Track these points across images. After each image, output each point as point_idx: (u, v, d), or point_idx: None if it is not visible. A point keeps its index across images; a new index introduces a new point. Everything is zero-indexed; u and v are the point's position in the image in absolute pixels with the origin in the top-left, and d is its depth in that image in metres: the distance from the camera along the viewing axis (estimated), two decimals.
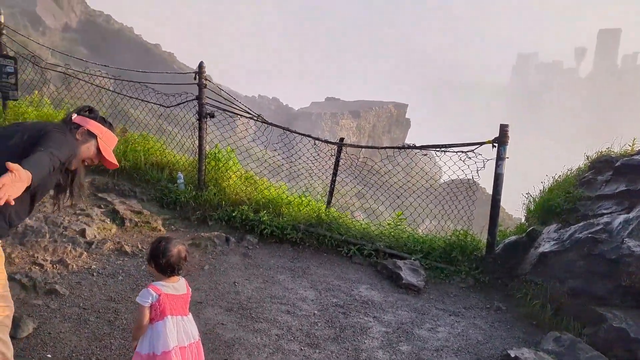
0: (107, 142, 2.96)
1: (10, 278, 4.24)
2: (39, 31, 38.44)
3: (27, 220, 5.24)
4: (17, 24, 34.97)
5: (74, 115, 2.93)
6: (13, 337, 3.55)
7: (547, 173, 6.95)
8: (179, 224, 6.36)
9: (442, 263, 6.08)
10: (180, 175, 6.88)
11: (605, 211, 5.55)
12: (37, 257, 4.77)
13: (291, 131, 6.80)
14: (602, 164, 6.30)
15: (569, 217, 5.88)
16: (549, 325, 4.87)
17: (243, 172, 7.24)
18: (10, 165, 2.14)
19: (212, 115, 6.59)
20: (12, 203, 2.19)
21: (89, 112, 3.01)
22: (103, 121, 3.00)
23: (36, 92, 7.89)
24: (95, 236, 5.43)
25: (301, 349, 4.07)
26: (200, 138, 6.72)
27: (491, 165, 5.91)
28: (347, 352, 4.13)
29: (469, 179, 6.24)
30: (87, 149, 2.88)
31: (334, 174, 6.82)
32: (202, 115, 6.60)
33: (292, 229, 6.31)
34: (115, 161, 2.99)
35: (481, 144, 5.93)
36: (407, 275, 5.68)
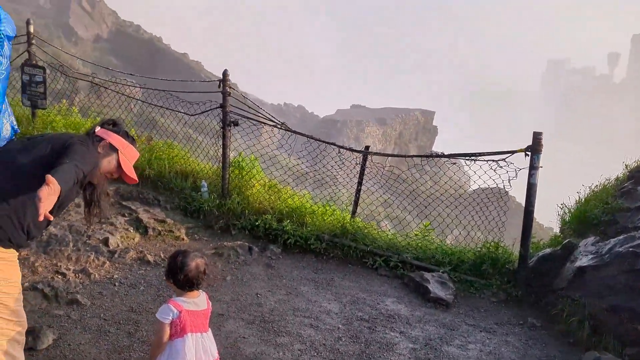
0: (128, 156, 2.91)
1: (33, 288, 4.22)
2: (71, 42, 39.42)
3: (52, 229, 5.24)
4: (51, 34, 35.95)
5: (97, 128, 2.90)
6: (33, 348, 3.51)
7: (581, 182, 6.67)
8: (202, 233, 6.29)
9: (472, 276, 5.85)
10: (204, 183, 6.83)
11: None
12: (60, 266, 4.74)
13: (315, 139, 6.68)
14: None
15: (607, 229, 5.59)
16: (586, 344, 4.60)
17: (267, 181, 7.14)
18: (49, 178, 2.12)
19: (236, 124, 6.53)
20: (51, 218, 2.19)
21: (113, 125, 2.97)
22: (126, 135, 2.95)
23: (64, 101, 7.96)
24: (118, 245, 5.39)
25: None
26: (224, 146, 6.65)
27: (522, 174, 5.69)
28: None
29: (498, 188, 6.02)
30: (107, 163, 2.84)
31: (359, 183, 6.66)
32: (226, 124, 6.54)
33: (316, 239, 6.18)
34: (135, 176, 2.93)
35: (513, 152, 5.70)
36: (435, 289, 5.48)
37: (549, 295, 5.37)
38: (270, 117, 6.85)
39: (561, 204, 6.44)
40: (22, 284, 4.23)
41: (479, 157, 5.86)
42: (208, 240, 6.15)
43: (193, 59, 46.85)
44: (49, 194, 2.11)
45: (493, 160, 5.79)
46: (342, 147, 6.48)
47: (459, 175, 6.83)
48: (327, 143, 6.66)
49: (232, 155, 7.06)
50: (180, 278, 2.69)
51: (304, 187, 8.20)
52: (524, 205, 5.69)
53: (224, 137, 6.64)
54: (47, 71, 7.60)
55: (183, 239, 6.00)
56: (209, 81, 6.88)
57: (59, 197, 2.22)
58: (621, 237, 5.08)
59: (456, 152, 6.10)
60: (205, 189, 6.78)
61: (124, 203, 6.37)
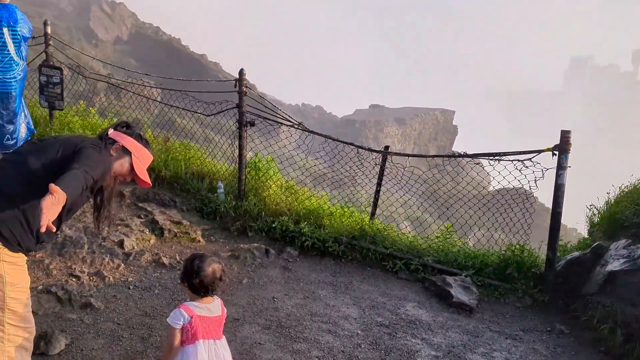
0: (142, 159, 2.81)
1: (47, 291, 4.16)
2: (92, 44, 39.92)
3: (67, 231, 5.18)
4: (72, 37, 36.45)
5: (111, 130, 2.81)
6: (45, 353, 3.43)
7: (608, 182, 6.42)
8: (218, 235, 6.19)
9: (496, 280, 5.64)
10: (220, 184, 6.73)
11: None
12: (75, 268, 4.68)
13: (333, 139, 6.53)
14: None
15: (638, 231, 5.34)
16: (619, 353, 4.38)
17: (283, 182, 7.02)
18: (53, 187, 2.06)
19: (252, 124, 6.41)
20: (54, 230, 2.13)
21: (126, 127, 2.88)
22: (139, 138, 2.86)
23: (82, 102, 7.95)
24: (133, 247, 5.31)
25: None
26: (241, 147, 6.55)
27: (547, 175, 5.48)
28: None
29: (521, 188, 5.81)
30: (120, 166, 2.75)
31: (379, 184, 6.50)
32: (242, 124, 6.43)
33: (334, 242, 6.03)
34: (148, 180, 2.84)
35: (540, 151, 5.48)
36: (457, 293, 5.29)
37: (578, 300, 5.15)
38: (287, 117, 6.72)
39: (590, 205, 6.19)
40: (36, 287, 4.19)
41: (503, 157, 5.65)
42: (224, 242, 6.05)
43: (211, 60, 47.07)
44: (53, 203, 2.05)
45: (518, 160, 5.58)
46: (360, 147, 6.32)
47: (482, 175, 6.63)
48: (345, 143, 6.51)
49: (248, 156, 6.96)
50: (195, 282, 2.59)
51: (322, 188, 8.06)
52: (547, 206, 5.49)
53: (240, 137, 6.53)
54: (66, 73, 7.60)
55: (199, 241, 5.91)
56: (225, 80, 6.78)
57: (65, 205, 2.15)
58: None
59: (479, 152, 5.90)
60: (222, 190, 6.69)
61: (140, 204, 6.30)
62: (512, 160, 5.65)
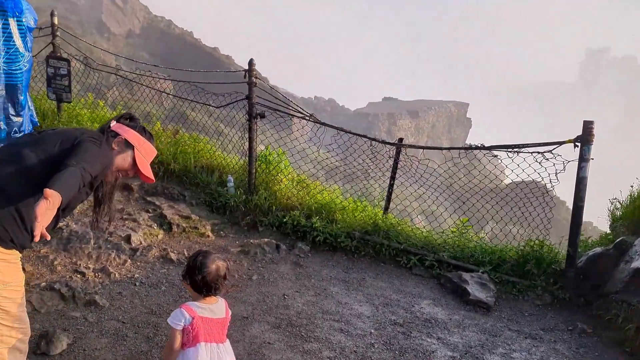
0: (145, 154, 2.67)
1: (50, 288, 4.05)
2: (104, 37, 40.00)
3: (73, 226, 5.08)
4: (85, 30, 36.53)
5: (113, 123, 2.67)
6: (45, 354, 3.32)
7: (629, 175, 6.16)
8: (228, 230, 6.06)
9: (514, 277, 5.44)
10: (230, 178, 6.59)
11: None
12: (80, 264, 4.57)
13: (345, 131, 6.34)
14: None
15: None
16: None
17: (295, 176, 6.86)
18: (47, 192, 1.96)
19: (262, 116, 6.25)
20: (48, 238, 2.02)
21: (130, 120, 2.73)
22: (143, 131, 2.72)
23: (90, 94, 7.84)
24: (140, 242, 5.19)
25: None
26: (250, 139, 6.39)
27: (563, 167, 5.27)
28: None
29: (541, 182, 5.58)
30: (122, 160, 2.62)
31: (392, 178, 6.30)
32: (251, 115, 6.27)
33: (346, 237, 5.86)
34: (151, 175, 2.69)
35: (561, 143, 5.25)
36: (474, 290, 5.10)
37: (600, 298, 4.93)
38: (299, 108, 6.54)
39: (612, 199, 5.95)
40: (39, 284, 4.07)
41: (522, 149, 5.43)
42: (234, 237, 5.91)
43: (224, 53, 46.94)
44: (47, 208, 1.95)
45: (538, 152, 5.35)
46: (374, 139, 6.13)
47: (496, 168, 6.41)
48: (359, 135, 6.32)
49: (259, 149, 6.80)
50: (198, 280, 2.44)
51: (334, 182, 7.88)
52: (562, 199, 5.28)
53: (250, 129, 6.37)
54: (74, 64, 7.48)
55: (208, 236, 5.77)
56: (234, 71, 6.62)
57: (60, 206, 2.04)
58: None
59: (497, 144, 5.67)
60: (232, 184, 6.55)
61: (148, 198, 6.19)
62: (531, 153, 5.43)
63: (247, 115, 6.35)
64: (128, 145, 2.63)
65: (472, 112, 61.69)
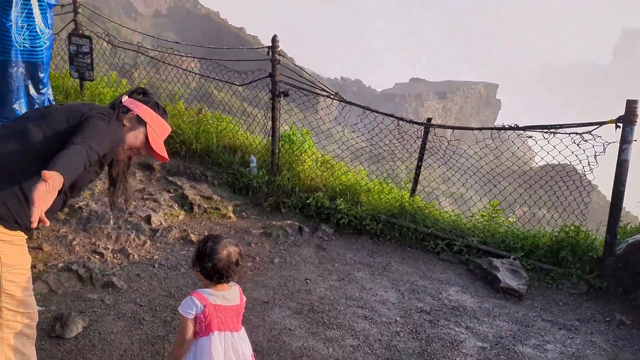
0: (158, 131, 2.50)
1: (67, 269, 3.98)
2: (131, 17, 40.14)
3: (93, 205, 5.01)
4: (112, 11, 36.70)
5: (124, 97, 2.50)
6: (60, 336, 3.24)
7: None
8: (250, 211, 5.93)
9: (548, 264, 5.18)
10: (253, 158, 6.44)
11: None
12: (99, 245, 4.49)
13: (371, 110, 6.10)
14: None
15: None
16: None
17: (319, 156, 6.67)
18: (45, 174, 1.79)
19: (285, 94, 6.05)
20: (47, 224, 1.86)
21: (143, 94, 2.56)
22: (156, 107, 2.54)
23: (113, 72, 7.76)
24: (161, 223, 5.10)
25: None
26: (274, 118, 6.21)
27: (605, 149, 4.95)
28: None
29: (564, 165, 5.29)
30: (134, 137, 2.46)
31: (420, 159, 6.05)
32: (275, 94, 6.08)
33: (371, 220, 5.67)
34: (165, 154, 2.52)
35: (601, 123, 4.92)
36: (505, 277, 4.87)
37: None
38: (323, 86, 6.32)
39: None
40: (57, 265, 4.00)
41: (559, 130, 5.12)
42: (256, 218, 5.78)
43: (250, 34, 46.65)
44: (46, 192, 1.78)
45: (576, 133, 5.04)
46: (401, 118, 5.88)
47: (525, 154, 6.11)
48: (385, 114, 6.08)
49: (283, 129, 6.63)
50: (208, 267, 2.28)
51: (360, 162, 7.66)
52: (593, 183, 4.95)
53: (273, 108, 6.19)
54: (105, 45, 7.41)
55: (230, 217, 5.65)
56: (257, 48, 6.42)
57: (63, 187, 1.87)
58: None
59: (531, 125, 5.37)
60: (254, 164, 6.40)
61: (170, 178, 6.09)
62: (569, 134, 5.11)
63: (270, 94, 6.16)
64: (140, 121, 2.47)
65: (502, 93, 60.26)
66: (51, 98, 5.70)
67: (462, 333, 3.98)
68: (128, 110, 2.47)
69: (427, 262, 5.28)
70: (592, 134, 5.03)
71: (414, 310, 4.26)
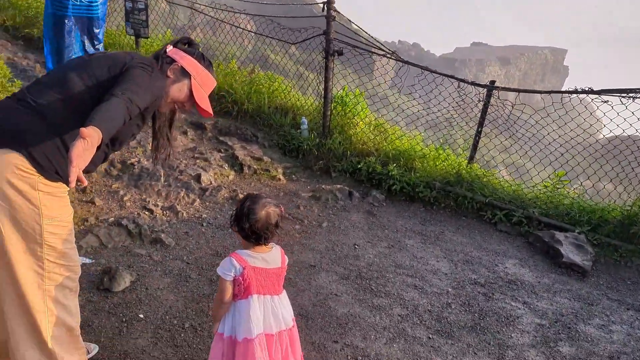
0: (203, 84, 2.36)
1: (117, 224, 4.00)
2: None
3: (145, 162, 5.02)
4: None
5: (169, 47, 2.37)
6: (108, 290, 3.26)
7: None
8: (300, 174, 5.81)
9: (616, 240, 4.80)
10: (304, 120, 6.28)
11: None
12: (149, 201, 4.50)
13: (431, 71, 5.77)
14: None
15: None
16: None
17: (372, 119, 6.42)
18: (84, 131, 1.68)
19: (340, 53, 5.80)
20: (85, 183, 1.79)
21: (188, 44, 2.42)
22: (202, 58, 2.39)
23: (168, 30, 7.72)
24: (210, 182, 5.06)
25: (429, 337, 3.28)
26: (327, 79, 6.00)
27: None
28: (488, 348, 3.26)
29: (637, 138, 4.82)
30: (178, 90, 2.33)
31: (480, 124, 5.69)
32: (328, 52, 5.85)
33: (425, 187, 5.43)
34: (209, 109, 2.39)
35: None
36: (568, 252, 4.55)
37: None
38: (379, 44, 6.03)
39: None
40: (107, 219, 4.03)
41: (639, 94, 4.64)
42: (306, 182, 5.66)
43: None
44: (85, 149, 1.67)
45: None
46: (462, 80, 5.52)
47: (592, 126, 5.63)
48: (445, 75, 5.73)
49: (336, 91, 6.41)
50: (246, 227, 2.15)
51: (415, 127, 7.36)
52: None
53: (326, 68, 5.97)
54: (164, 6, 7.37)
55: (279, 179, 5.56)
56: (311, 3, 6.16)
57: (100, 144, 1.77)
58: None
59: (607, 88, 4.89)
60: (306, 126, 6.25)
61: (221, 138, 6.04)
62: None
63: (323, 53, 5.94)
64: (184, 73, 2.34)
65: (570, 59, 57.02)
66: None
67: (519, 308, 3.75)
68: (172, 61, 2.34)
69: (483, 233, 5.02)
70: None
71: (467, 281, 4.05)
